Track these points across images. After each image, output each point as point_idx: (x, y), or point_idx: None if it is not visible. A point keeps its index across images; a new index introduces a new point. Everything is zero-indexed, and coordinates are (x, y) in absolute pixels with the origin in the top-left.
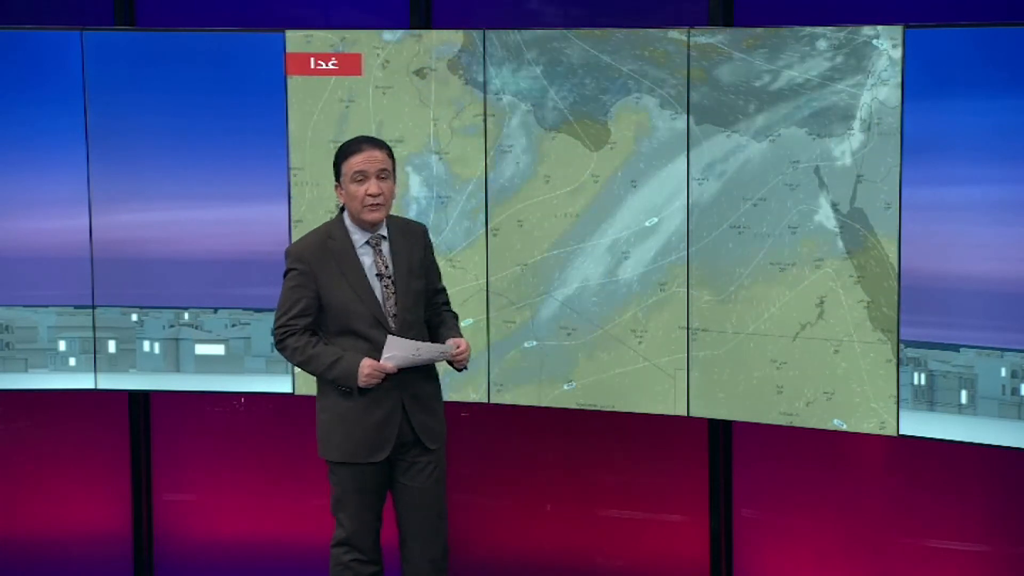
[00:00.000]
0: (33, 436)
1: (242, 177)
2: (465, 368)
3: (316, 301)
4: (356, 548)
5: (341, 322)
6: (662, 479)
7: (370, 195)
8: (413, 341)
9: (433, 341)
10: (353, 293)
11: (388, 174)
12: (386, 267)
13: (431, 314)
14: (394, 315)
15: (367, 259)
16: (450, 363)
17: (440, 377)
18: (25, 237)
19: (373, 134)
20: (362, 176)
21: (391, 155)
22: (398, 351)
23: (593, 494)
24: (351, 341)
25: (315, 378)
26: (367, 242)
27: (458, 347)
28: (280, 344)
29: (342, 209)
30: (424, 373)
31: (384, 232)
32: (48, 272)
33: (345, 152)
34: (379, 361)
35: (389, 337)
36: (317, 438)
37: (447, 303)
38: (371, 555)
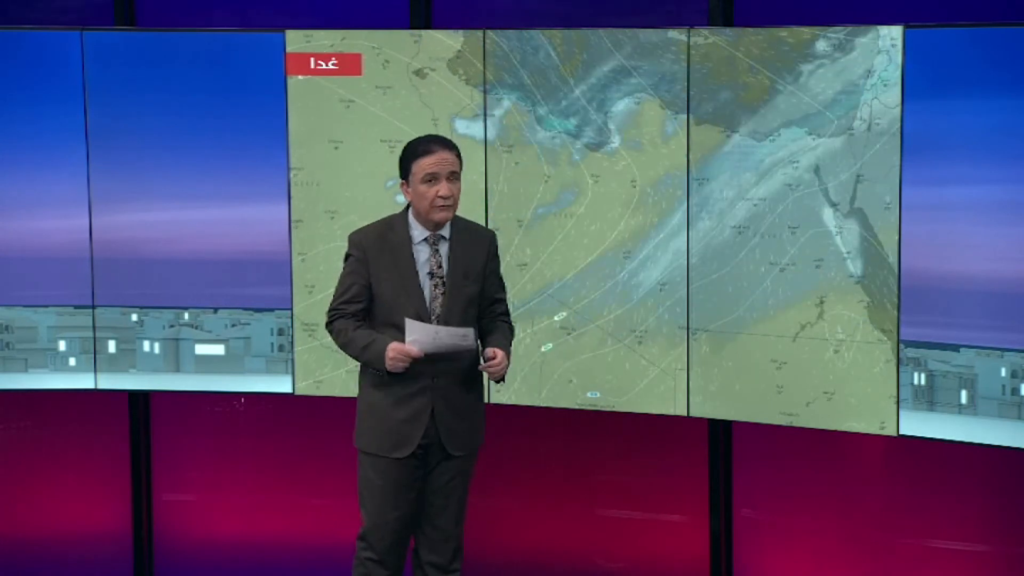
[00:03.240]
0: (33, 436)
1: (242, 177)
2: (502, 380)
3: (367, 289)
4: (372, 546)
5: (386, 314)
6: (662, 479)
7: (441, 196)
8: (433, 325)
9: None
10: (401, 287)
11: (457, 175)
12: (439, 267)
13: (487, 322)
14: (438, 315)
15: (422, 256)
16: (487, 373)
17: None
18: (25, 237)
19: (372, 134)
20: (432, 177)
21: (459, 156)
22: (419, 335)
23: (593, 494)
24: (394, 334)
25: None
26: (425, 239)
27: (494, 356)
28: (328, 327)
29: (408, 206)
30: (464, 379)
31: (445, 233)
32: (48, 272)
33: (415, 152)
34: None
35: (408, 320)
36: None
37: (505, 313)
38: (387, 557)
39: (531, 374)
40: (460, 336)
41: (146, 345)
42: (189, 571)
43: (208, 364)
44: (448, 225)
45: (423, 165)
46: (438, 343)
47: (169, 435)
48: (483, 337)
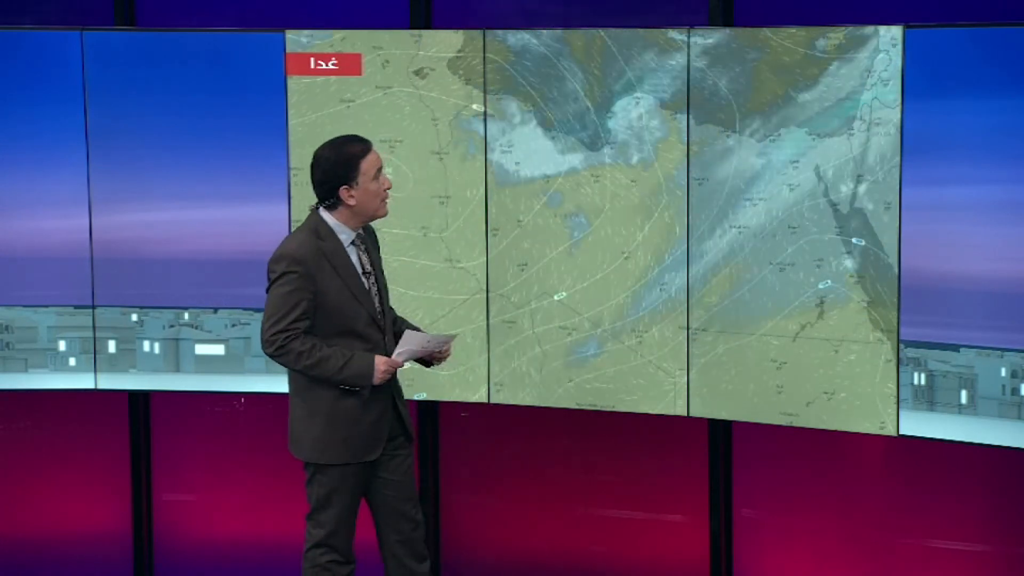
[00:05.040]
0: (33, 436)
1: (242, 177)
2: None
3: (313, 304)
4: (335, 549)
5: (339, 323)
6: (662, 479)
7: (389, 188)
8: (425, 334)
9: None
10: (350, 293)
11: None
12: (370, 265)
13: None
14: (380, 312)
15: (353, 258)
16: (425, 361)
17: (432, 376)
18: (25, 237)
19: (372, 134)
20: (379, 171)
21: None
22: (413, 345)
23: (593, 494)
24: (349, 341)
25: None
26: (352, 242)
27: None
28: (281, 349)
29: (315, 208)
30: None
31: (361, 231)
32: (48, 272)
33: (359, 153)
34: (391, 357)
35: (407, 332)
36: (303, 443)
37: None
38: (347, 555)
39: (531, 374)
40: (443, 341)
41: (146, 345)
42: (189, 571)
43: (208, 364)
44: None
45: (371, 162)
46: (425, 351)
47: (169, 435)
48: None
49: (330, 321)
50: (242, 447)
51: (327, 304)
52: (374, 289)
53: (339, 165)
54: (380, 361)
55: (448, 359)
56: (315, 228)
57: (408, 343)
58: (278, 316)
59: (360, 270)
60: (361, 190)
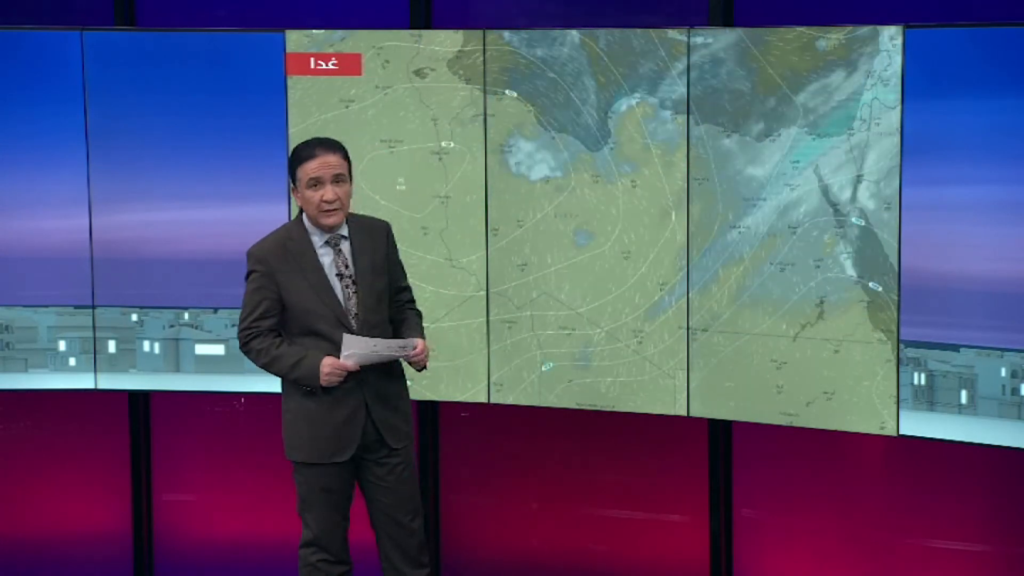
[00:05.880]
0: (33, 436)
1: (242, 177)
2: (424, 368)
3: (278, 303)
4: (324, 548)
5: (303, 323)
6: (662, 479)
7: (326, 201)
8: (370, 338)
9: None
10: (313, 294)
11: (344, 178)
12: (347, 267)
13: (394, 312)
14: (356, 315)
15: (327, 259)
16: (409, 363)
17: (424, 377)
18: (25, 237)
19: (372, 134)
20: (317, 182)
21: (346, 156)
22: (356, 348)
23: (593, 494)
24: (314, 342)
25: (279, 379)
26: (327, 242)
27: (415, 347)
28: (245, 347)
29: (301, 210)
30: (388, 372)
31: (344, 232)
32: (48, 272)
33: (299, 157)
34: (339, 359)
35: (346, 335)
36: (285, 440)
37: (411, 301)
38: (339, 555)
39: (530, 374)
40: (397, 348)
41: (146, 345)
42: (189, 571)
43: (208, 364)
44: (344, 223)
45: (307, 170)
46: (375, 355)
47: (169, 435)
48: (395, 328)
49: (295, 321)
50: (242, 447)
51: (291, 303)
52: (350, 291)
53: (288, 166)
54: (325, 362)
55: (422, 361)
56: (291, 227)
57: (351, 347)
58: (243, 314)
59: (333, 271)
60: (300, 195)
